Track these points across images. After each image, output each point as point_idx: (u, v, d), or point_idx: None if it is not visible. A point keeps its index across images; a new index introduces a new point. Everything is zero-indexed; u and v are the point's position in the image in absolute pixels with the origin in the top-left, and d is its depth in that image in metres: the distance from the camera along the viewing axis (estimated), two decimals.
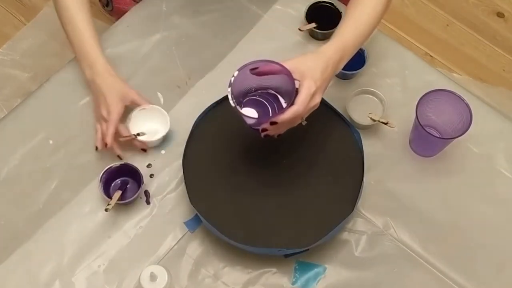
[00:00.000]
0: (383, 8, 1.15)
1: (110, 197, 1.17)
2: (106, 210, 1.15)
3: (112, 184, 1.21)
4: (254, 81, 1.06)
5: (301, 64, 1.03)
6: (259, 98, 1.08)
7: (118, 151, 1.23)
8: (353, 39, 1.10)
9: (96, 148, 1.22)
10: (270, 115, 1.06)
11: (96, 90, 1.23)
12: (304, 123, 1.07)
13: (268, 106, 1.08)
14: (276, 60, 1.02)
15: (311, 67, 1.03)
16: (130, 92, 1.23)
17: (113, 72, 1.23)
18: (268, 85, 1.07)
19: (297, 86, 1.02)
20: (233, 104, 1.01)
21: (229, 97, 1.01)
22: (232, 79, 1.02)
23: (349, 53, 1.11)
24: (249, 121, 1.06)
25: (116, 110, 1.19)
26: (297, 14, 1.38)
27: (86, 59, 1.23)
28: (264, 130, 1.06)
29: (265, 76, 1.04)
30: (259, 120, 1.05)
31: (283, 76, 1.02)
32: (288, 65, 1.02)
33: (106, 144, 1.19)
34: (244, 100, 1.07)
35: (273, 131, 1.06)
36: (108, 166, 1.19)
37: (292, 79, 1.01)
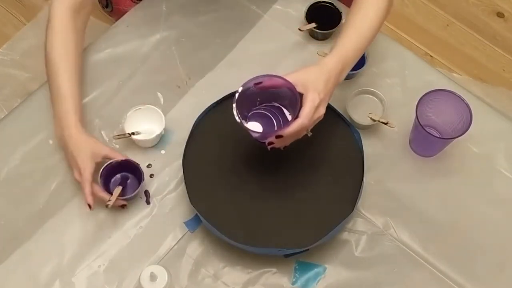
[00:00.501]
0: (384, 16, 1.15)
1: (110, 192, 1.17)
2: (106, 206, 1.15)
3: (112, 180, 1.21)
4: (258, 95, 1.07)
5: (304, 77, 1.04)
6: (264, 112, 1.09)
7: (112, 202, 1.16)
8: (354, 49, 1.11)
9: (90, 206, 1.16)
10: (275, 128, 1.07)
11: (66, 152, 1.19)
12: (309, 134, 1.08)
13: (273, 119, 1.09)
14: (279, 74, 1.03)
15: (314, 80, 1.04)
16: (102, 149, 1.18)
17: (83, 131, 1.18)
18: (272, 98, 1.08)
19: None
20: (238, 120, 1.03)
21: (234, 113, 1.03)
22: (237, 95, 1.03)
23: (350, 63, 1.11)
24: (255, 135, 1.07)
25: (87, 169, 1.15)
26: (297, 14, 1.38)
27: (60, 119, 1.19)
28: (270, 143, 1.07)
29: (269, 91, 1.06)
30: (264, 134, 1.07)
31: (287, 89, 1.03)
32: (290, 78, 1.03)
33: (89, 206, 1.15)
34: (249, 114, 1.09)
35: (279, 143, 1.07)
36: (109, 162, 1.19)
37: (295, 92, 1.03)
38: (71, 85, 1.20)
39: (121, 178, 1.22)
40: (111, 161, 1.19)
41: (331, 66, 1.07)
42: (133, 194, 1.18)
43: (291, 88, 1.03)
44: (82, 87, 1.25)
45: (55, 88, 1.20)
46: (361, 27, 1.13)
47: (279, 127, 1.07)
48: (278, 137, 1.04)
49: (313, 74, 1.05)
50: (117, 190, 1.17)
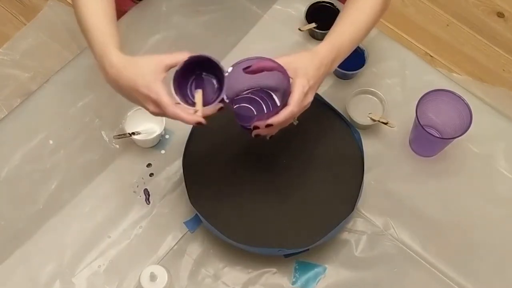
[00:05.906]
0: (382, 8, 1.13)
1: (188, 101, 0.97)
2: (198, 124, 0.96)
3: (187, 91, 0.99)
4: (248, 80, 1.04)
5: (295, 62, 1.02)
6: (252, 96, 1.07)
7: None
8: (349, 39, 1.08)
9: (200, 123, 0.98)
10: (265, 112, 1.05)
11: (124, 92, 1.02)
12: (295, 122, 1.05)
13: (262, 103, 1.06)
14: (270, 57, 1.00)
15: (305, 66, 1.02)
16: (159, 60, 0.98)
17: (126, 57, 1.00)
18: (261, 84, 1.06)
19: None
20: (226, 100, 0.99)
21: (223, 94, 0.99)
22: (226, 74, 0.99)
23: (344, 53, 1.09)
24: (241, 120, 1.04)
25: (161, 93, 0.97)
26: (297, 14, 1.38)
27: (99, 58, 1.03)
28: (255, 127, 1.02)
29: (259, 74, 1.02)
30: (252, 118, 1.03)
31: (277, 73, 1.00)
32: (281, 61, 1.00)
33: (201, 123, 0.97)
34: (237, 98, 1.06)
35: (266, 132, 1.03)
36: (176, 69, 0.97)
37: (286, 76, 0.99)
38: (97, 16, 1.03)
39: (196, 83, 1.00)
40: (175, 68, 0.98)
41: (323, 53, 1.05)
42: (216, 101, 0.98)
43: (282, 71, 0.99)
44: (115, 27, 1.06)
45: (82, 25, 1.04)
46: (358, 18, 1.11)
47: (268, 112, 1.03)
48: (266, 126, 1.00)
49: (305, 60, 1.02)
50: (198, 94, 0.96)
